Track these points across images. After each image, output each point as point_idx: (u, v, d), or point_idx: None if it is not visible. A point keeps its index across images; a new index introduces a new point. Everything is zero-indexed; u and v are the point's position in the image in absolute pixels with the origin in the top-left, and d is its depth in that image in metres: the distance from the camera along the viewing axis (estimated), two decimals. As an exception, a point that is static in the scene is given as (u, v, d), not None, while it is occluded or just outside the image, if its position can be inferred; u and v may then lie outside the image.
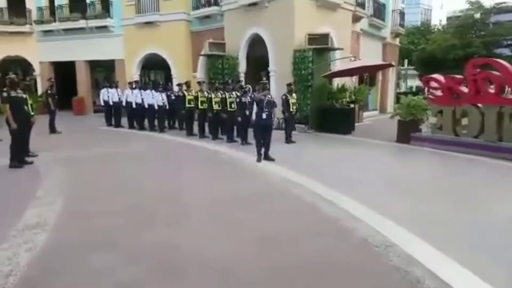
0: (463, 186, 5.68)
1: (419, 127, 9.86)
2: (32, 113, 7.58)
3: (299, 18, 12.06)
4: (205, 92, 10.41)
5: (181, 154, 8.52)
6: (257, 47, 13.66)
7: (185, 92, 11.02)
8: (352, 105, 13.05)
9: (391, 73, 21.03)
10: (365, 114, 16.39)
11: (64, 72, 19.43)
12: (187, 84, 11.22)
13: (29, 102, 7.53)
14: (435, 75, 9.60)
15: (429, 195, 5.15)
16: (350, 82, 14.33)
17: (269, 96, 7.35)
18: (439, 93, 9.23)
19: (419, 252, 3.21)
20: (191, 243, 3.50)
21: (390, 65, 13.44)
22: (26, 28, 19.07)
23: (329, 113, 12.00)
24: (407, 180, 5.98)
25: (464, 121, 8.66)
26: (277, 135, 10.21)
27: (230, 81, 10.98)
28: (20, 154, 6.68)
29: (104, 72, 20.15)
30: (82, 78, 19.47)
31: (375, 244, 3.42)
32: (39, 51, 19.43)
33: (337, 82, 13.47)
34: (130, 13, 17.48)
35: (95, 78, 20.37)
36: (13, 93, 6.47)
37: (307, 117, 11.96)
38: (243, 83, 11.93)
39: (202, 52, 14.40)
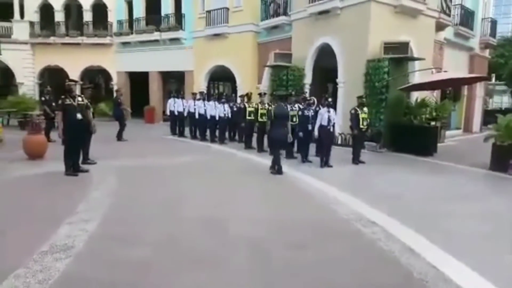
0: None
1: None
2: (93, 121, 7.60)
3: (375, 25, 10.97)
4: (266, 104, 9.82)
5: (235, 170, 7.89)
6: (324, 57, 12.80)
7: (246, 104, 10.55)
8: (432, 123, 11.45)
9: (479, 88, 18.50)
10: (447, 133, 14.46)
11: (138, 82, 20.43)
12: (248, 95, 10.73)
13: (91, 110, 7.58)
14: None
15: None
16: (431, 96, 12.68)
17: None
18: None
19: None
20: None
21: (486, 78, 11.58)
22: (106, 40, 20.48)
23: (406, 131, 10.59)
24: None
25: None
26: (343, 154, 9.16)
27: (293, 93, 10.22)
28: (74, 163, 6.58)
29: (176, 83, 20.78)
30: (154, 88, 20.27)
31: None
32: (117, 62, 20.74)
33: (415, 96, 12.02)
34: (200, 25, 17.78)
35: (167, 89, 21.07)
36: (68, 101, 6.38)
37: (379, 134, 10.69)
38: (307, 94, 11.12)
39: (268, 63, 13.95)
